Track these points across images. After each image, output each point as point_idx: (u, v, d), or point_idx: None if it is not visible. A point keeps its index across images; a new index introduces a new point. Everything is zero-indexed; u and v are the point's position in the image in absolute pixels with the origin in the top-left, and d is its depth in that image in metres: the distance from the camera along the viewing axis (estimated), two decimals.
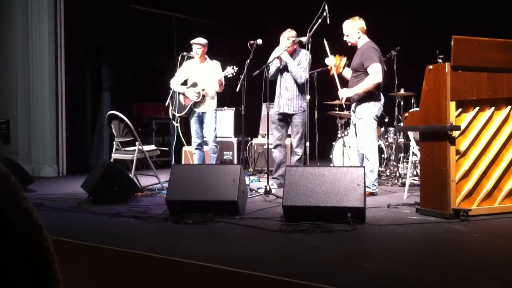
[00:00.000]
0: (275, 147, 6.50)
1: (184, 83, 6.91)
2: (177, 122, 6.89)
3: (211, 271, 2.83)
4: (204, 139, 6.88)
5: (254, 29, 7.89)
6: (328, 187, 4.25)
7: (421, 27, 9.58)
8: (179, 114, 6.83)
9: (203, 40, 6.81)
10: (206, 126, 6.80)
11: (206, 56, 6.89)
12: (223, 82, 6.70)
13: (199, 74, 6.78)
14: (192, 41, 6.82)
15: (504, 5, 8.60)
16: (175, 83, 6.87)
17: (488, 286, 2.68)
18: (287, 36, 6.32)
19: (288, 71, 6.37)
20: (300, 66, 6.32)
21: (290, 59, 6.34)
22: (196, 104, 6.77)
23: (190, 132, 6.96)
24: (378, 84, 5.63)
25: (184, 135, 7.15)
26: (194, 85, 6.78)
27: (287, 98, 6.39)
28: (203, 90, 6.69)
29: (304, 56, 6.29)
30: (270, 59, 6.37)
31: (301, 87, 6.34)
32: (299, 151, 6.40)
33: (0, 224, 0.55)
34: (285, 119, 6.49)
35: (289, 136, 6.77)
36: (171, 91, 6.88)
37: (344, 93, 5.78)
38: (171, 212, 4.56)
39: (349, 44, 5.87)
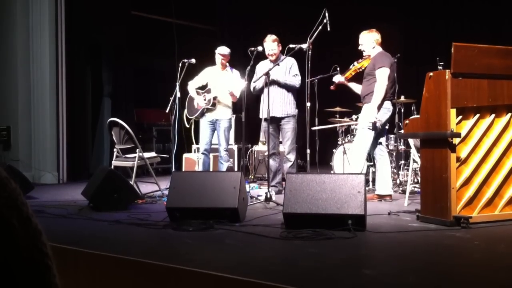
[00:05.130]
0: (269, 156, 6.47)
1: (202, 88, 6.95)
2: (179, 127, 6.90)
3: (211, 278, 2.83)
4: (213, 146, 6.91)
5: (255, 35, 7.91)
6: (328, 194, 4.25)
7: (421, 34, 9.61)
8: (191, 117, 6.90)
9: (226, 50, 6.88)
10: (219, 134, 6.83)
11: (227, 65, 6.92)
12: (235, 94, 6.67)
13: (216, 81, 6.83)
14: (216, 51, 6.87)
15: (504, 9, 8.62)
16: (191, 87, 6.94)
17: None
18: (271, 39, 6.40)
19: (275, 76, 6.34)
20: (291, 73, 6.35)
21: (279, 75, 6.32)
22: (208, 110, 6.80)
23: (191, 137, 6.97)
24: (385, 87, 5.71)
25: (187, 140, 7.12)
26: (209, 91, 6.83)
27: (276, 102, 6.39)
28: (214, 98, 6.72)
29: (290, 61, 6.36)
30: (256, 76, 6.40)
31: (290, 93, 6.37)
32: (291, 157, 6.41)
33: (0, 228, 0.55)
34: (276, 125, 6.47)
35: (280, 142, 6.76)
36: (171, 98, 6.88)
37: (371, 117, 5.75)
38: (171, 219, 4.56)
39: (364, 54, 5.99)
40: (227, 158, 6.90)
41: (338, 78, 6.21)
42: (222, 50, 6.86)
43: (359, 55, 6.27)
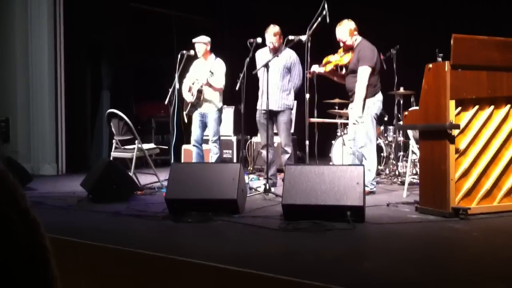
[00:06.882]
0: (263, 148, 6.41)
1: None
2: (177, 119, 6.89)
3: (210, 270, 2.84)
4: (205, 137, 6.87)
5: (254, 28, 7.87)
6: (327, 186, 4.25)
7: (420, 26, 9.57)
8: (184, 112, 6.87)
9: (205, 38, 6.77)
10: (208, 127, 6.77)
11: (211, 54, 6.85)
12: (214, 85, 6.60)
13: (199, 73, 6.76)
14: (193, 40, 6.80)
15: (504, 3, 8.60)
16: (185, 84, 6.86)
17: (488, 285, 2.68)
18: (273, 32, 6.24)
19: (274, 68, 6.28)
20: (295, 71, 6.29)
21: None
22: (197, 104, 6.76)
23: (189, 129, 6.96)
24: (367, 86, 5.65)
25: (186, 131, 7.12)
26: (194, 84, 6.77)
27: (273, 95, 6.30)
28: (199, 91, 6.66)
29: (295, 58, 6.28)
30: (257, 65, 6.32)
31: (286, 85, 6.34)
32: (289, 149, 6.35)
33: None
34: (271, 117, 6.41)
35: (276, 134, 6.70)
36: (170, 90, 6.87)
37: (356, 115, 5.70)
38: (170, 210, 4.56)
39: (346, 47, 5.88)
40: (216, 150, 6.83)
41: (315, 68, 6.08)
42: (199, 39, 6.76)
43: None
